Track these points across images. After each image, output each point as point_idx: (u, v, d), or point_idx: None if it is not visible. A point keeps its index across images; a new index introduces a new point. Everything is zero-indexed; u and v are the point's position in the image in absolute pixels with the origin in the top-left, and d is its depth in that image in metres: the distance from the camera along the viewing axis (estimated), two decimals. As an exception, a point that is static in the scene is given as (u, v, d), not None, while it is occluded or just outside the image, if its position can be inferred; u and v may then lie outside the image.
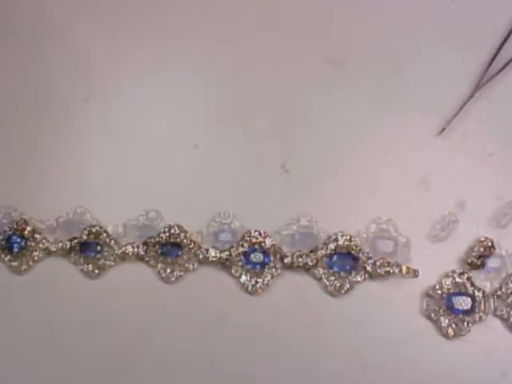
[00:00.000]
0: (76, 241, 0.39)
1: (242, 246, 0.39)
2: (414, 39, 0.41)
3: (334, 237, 0.38)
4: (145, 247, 0.39)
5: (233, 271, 0.39)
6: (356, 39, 0.41)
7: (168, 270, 0.39)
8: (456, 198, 0.40)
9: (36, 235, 0.40)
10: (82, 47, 0.42)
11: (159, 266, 0.39)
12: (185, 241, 0.39)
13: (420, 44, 0.41)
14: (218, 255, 0.38)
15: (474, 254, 0.38)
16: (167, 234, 0.39)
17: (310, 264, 0.38)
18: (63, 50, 0.42)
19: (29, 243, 0.39)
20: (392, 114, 0.41)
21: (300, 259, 0.38)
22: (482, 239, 0.38)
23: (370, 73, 0.41)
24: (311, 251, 0.38)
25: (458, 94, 0.40)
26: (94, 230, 0.39)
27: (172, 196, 0.41)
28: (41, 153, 0.41)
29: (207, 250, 0.38)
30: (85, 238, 0.39)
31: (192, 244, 0.39)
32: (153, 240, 0.39)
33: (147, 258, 0.39)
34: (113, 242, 0.39)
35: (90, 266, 0.39)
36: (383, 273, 0.38)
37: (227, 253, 0.38)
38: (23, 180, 0.41)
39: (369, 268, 0.38)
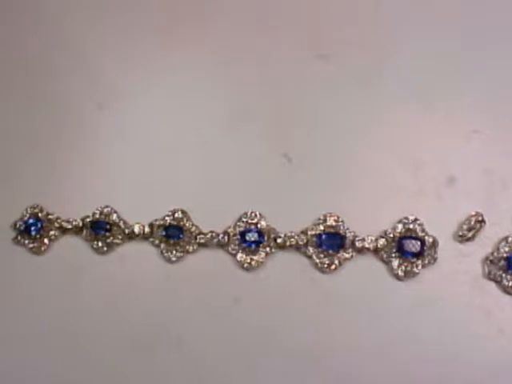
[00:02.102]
0: (88, 219, 0.42)
1: (239, 226, 0.41)
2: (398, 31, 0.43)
3: (322, 218, 0.41)
4: (150, 228, 0.42)
5: (229, 249, 0.41)
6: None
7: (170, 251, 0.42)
8: (482, 198, 0.41)
9: (50, 216, 0.42)
10: (95, 55, 0.44)
11: (162, 246, 0.42)
12: (187, 224, 0.42)
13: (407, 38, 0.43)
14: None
15: (465, 226, 0.40)
16: (171, 218, 0.42)
17: (301, 243, 0.41)
18: (78, 60, 0.44)
19: (45, 224, 0.42)
20: (408, 110, 0.42)
21: (292, 239, 0.41)
22: (474, 213, 0.40)
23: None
24: (302, 232, 0.41)
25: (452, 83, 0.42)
26: (105, 211, 0.42)
27: (198, 196, 0.42)
28: (66, 154, 0.43)
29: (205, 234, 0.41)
30: (97, 216, 0.42)
31: (193, 228, 0.41)
32: (158, 222, 0.42)
33: (152, 239, 0.42)
34: (122, 222, 0.42)
35: (100, 243, 0.42)
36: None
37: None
38: (49, 180, 0.43)
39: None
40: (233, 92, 0.43)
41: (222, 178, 0.42)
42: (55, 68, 0.44)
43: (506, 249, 0.40)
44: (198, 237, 0.41)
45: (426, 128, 0.41)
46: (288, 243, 0.40)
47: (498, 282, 0.40)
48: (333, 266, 0.40)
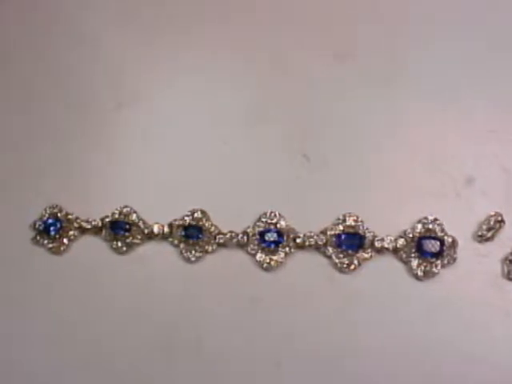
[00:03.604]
0: (107, 219, 0.42)
1: (258, 226, 0.41)
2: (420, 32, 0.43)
3: (341, 217, 0.41)
4: (170, 228, 0.42)
5: (249, 249, 0.41)
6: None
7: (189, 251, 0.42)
8: (501, 198, 0.40)
9: (69, 216, 0.43)
10: (115, 54, 0.45)
11: (181, 246, 0.42)
12: (206, 224, 0.42)
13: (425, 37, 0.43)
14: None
15: (484, 226, 0.40)
16: (190, 218, 0.42)
17: (320, 243, 0.41)
18: (97, 60, 0.45)
19: (64, 224, 0.42)
20: (427, 110, 0.42)
21: (311, 239, 0.41)
22: (493, 213, 0.40)
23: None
24: (321, 232, 0.41)
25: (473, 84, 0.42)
26: (124, 211, 0.42)
27: (217, 196, 0.42)
28: (85, 153, 0.43)
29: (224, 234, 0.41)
30: (116, 217, 0.42)
31: (212, 228, 0.42)
32: (177, 222, 0.42)
33: (171, 239, 0.42)
34: (141, 222, 0.42)
35: (119, 243, 0.42)
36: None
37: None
38: (68, 180, 0.43)
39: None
40: (252, 92, 0.43)
41: (241, 178, 0.42)
42: (75, 68, 0.45)
43: (526, 249, 0.40)
44: (218, 237, 0.41)
45: (445, 128, 0.41)
46: (307, 243, 0.41)
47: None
48: (352, 266, 0.40)
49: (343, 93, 0.42)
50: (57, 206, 0.43)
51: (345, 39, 0.43)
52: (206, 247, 0.41)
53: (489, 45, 0.42)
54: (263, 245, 0.41)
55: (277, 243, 0.41)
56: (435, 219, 0.40)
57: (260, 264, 0.41)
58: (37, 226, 0.42)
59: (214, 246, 0.41)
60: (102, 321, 0.41)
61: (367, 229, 0.41)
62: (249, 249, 0.41)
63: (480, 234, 0.40)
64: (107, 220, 0.42)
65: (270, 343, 0.40)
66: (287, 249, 0.41)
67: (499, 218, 0.40)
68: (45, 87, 0.44)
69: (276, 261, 0.41)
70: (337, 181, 0.42)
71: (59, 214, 0.43)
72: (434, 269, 0.40)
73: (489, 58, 0.42)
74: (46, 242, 0.43)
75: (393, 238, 0.40)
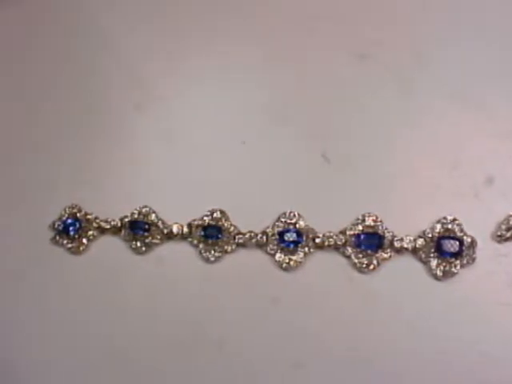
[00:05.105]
0: (126, 219, 0.42)
1: (278, 226, 0.41)
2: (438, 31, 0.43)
3: (361, 217, 0.41)
4: (189, 228, 0.42)
5: (268, 249, 0.41)
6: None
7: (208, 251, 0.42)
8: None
9: (88, 216, 0.43)
10: (135, 54, 0.45)
11: (200, 246, 0.42)
12: (225, 224, 0.42)
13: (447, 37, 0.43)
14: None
15: (503, 226, 0.40)
16: (210, 218, 0.42)
17: (340, 243, 0.41)
18: (117, 60, 0.45)
19: (83, 224, 0.42)
20: (447, 110, 0.42)
21: (330, 239, 0.41)
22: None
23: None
24: (340, 232, 0.41)
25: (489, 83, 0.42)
26: (143, 211, 0.42)
27: (236, 196, 0.42)
28: (104, 154, 0.43)
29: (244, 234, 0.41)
30: (135, 217, 0.42)
31: (232, 228, 0.42)
32: (196, 222, 0.42)
33: (190, 239, 0.42)
34: (160, 222, 0.42)
35: (138, 243, 0.42)
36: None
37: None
38: (88, 180, 0.43)
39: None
40: (271, 92, 0.43)
41: (261, 178, 0.42)
42: (94, 68, 0.45)
43: (545, 249, 0.40)
44: (237, 237, 0.41)
45: (465, 128, 0.41)
46: (327, 243, 0.41)
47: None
48: (371, 266, 0.40)
49: (364, 93, 0.42)
50: (76, 205, 0.43)
51: (367, 39, 0.43)
52: (226, 247, 0.41)
53: (509, 44, 0.42)
54: (282, 245, 0.41)
55: (296, 243, 0.41)
56: (454, 219, 0.40)
57: (279, 264, 0.41)
58: (56, 226, 0.43)
59: (234, 246, 0.41)
60: (121, 321, 0.41)
61: (386, 229, 0.41)
62: (268, 249, 0.41)
63: (499, 233, 0.40)
64: (126, 220, 0.42)
65: (289, 343, 0.40)
66: (306, 249, 0.41)
67: (519, 218, 0.40)
68: (64, 87, 0.45)
69: (295, 261, 0.41)
70: (356, 181, 0.42)
71: (78, 214, 0.43)
72: (453, 269, 0.40)
73: (510, 57, 0.42)
74: (65, 242, 0.43)
75: (412, 238, 0.40)
